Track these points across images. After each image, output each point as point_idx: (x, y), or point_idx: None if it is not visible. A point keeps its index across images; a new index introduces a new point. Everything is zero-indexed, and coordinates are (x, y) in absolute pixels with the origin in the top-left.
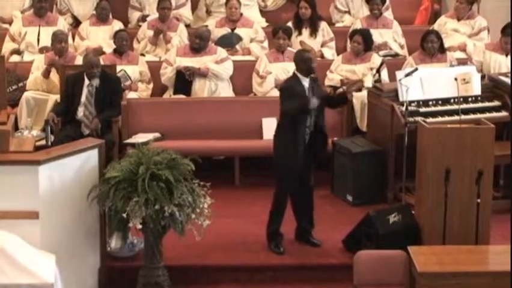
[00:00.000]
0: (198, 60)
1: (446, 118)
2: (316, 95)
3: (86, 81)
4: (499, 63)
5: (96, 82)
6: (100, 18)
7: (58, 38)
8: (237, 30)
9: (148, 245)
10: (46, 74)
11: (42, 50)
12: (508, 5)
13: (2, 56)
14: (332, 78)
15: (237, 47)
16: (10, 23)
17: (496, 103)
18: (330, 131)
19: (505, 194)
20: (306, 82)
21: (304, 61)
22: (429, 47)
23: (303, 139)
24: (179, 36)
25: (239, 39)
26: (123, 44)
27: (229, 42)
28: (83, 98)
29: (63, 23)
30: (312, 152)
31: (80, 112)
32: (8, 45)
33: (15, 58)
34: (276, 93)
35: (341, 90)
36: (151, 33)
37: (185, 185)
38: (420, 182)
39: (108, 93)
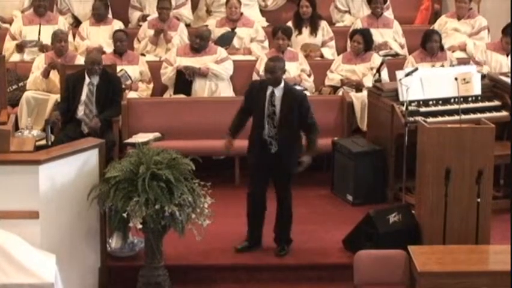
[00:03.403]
0: (198, 60)
1: (446, 118)
2: (282, 106)
3: (87, 80)
4: (499, 63)
5: (96, 80)
6: (96, 18)
7: (58, 37)
8: (237, 30)
9: (148, 245)
10: (46, 74)
11: (42, 49)
12: (508, 5)
13: (2, 55)
14: (332, 78)
15: (235, 44)
16: (10, 22)
17: (496, 103)
18: (330, 130)
19: (505, 194)
20: (269, 90)
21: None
22: (433, 46)
23: (259, 145)
24: (180, 36)
25: (234, 34)
26: (118, 45)
27: (226, 40)
28: (83, 97)
29: (63, 22)
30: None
31: (81, 111)
32: (9, 44)
33: (15, 57)
34: None
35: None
36: (151, 32)
37: (186, 184)
38: (421, 182)
39: (109, 92)
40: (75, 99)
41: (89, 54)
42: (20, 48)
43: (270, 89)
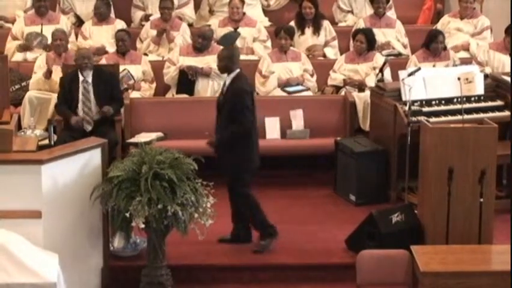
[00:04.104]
0: (200, 59)
1: (449, 118)
2: (225, 95)
3: (81, 78)
4: (502, 63)
5: (89, 77)
6: (98, 18)
7: (55, 36)
8: (239, 30)
9: (151, 245)
10: (48, 75)
11: (45, 48)
12: None
13: (5, 55)
14: (335, 77)
15: (238, 44)
16: (13, 22)
17: (499, 103)
18: (333, 130)
19: (508, 194)
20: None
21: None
22: (438, 47)
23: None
24: (182, 36)
25: (238, 35)
26: (121, 45)
27: (229, 40)
28: (80, 95)
29: (65, 21)
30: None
31: (80, 110)
32: (11, 45)
33: (18, 57)
34: (279, 92)
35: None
36: (154, 32)
37: (188, 184)
38: (423, 182)
39: (107, 88)
40: (73, 98)
41: (77, 51)
42: (25, 48)
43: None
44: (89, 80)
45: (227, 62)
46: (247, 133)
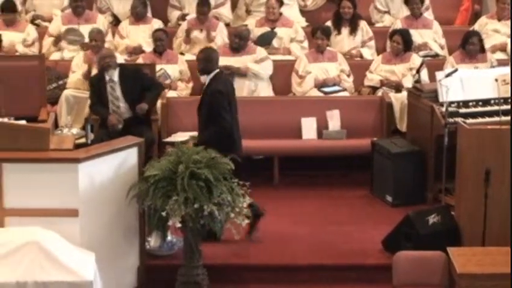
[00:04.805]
0: (237, 59)
1: (486, 119)
2: (203, 96)
3: (107, 77)
4: None
5: (113, 75)
6: (135, 17)
7: (91, 37)
8: (276, 30)
9: (187, 244)
10: (87, 76)
11: (83, 46)
12: None
13: (41, 54)
14: (372, 78)
15: (275, 44)
16: (50, 21)
17: None
18: (369, 131)
19: None
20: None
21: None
22: (471, 48)
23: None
24: (221, 36)
25: (274, 34)
26: (158, 44)
27: (266, 40)
28: (108, 95)
29: (102, 21)
30: None
31: (110, 109)
32: (47, 42)
33: (55, 56)
34: (315, 93)
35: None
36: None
37: (225, 184)
38: (460, 183)
39: (135, 84)
40: (103, 99)
41: (100, 52)
42: (57, 41)
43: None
44: (115, 79)
45: (204, 64)
46: (228, 133)
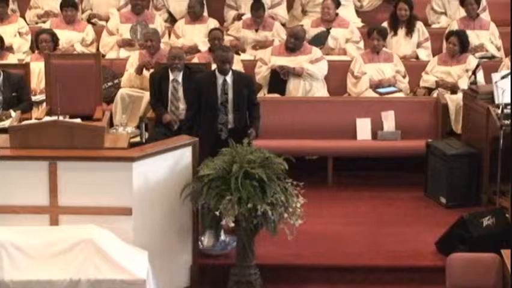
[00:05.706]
0: (292, 59)
1: None
2: (235, 92)
3: (171, 77)
4: None
5: (178, 76)
6: (192, 17)
7: (146, 37)
8: (332, 31)
9: (241, 244)
10: (139, 71)
11: (141, 45)
12: None
13: (98, 52)
14: (427, 79)
15: (330, 44)
16: (106, 20)
17: None
18: (424, 132)
19: None
20: (220, 79)
21: (217, 60)
22: None
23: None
24: (278, 35)
25: (327, 34)
26: (216, 43)
27: (320, 40)
28: (169, 94)
29: (160, 21)
30: None
31: (168, 109)
32: (107, 40)
33: (112, 54)
34: (371, 93)
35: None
36: (246, 32)
37: (278, 184)
38: None
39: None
40: (163, 96)
41: (170, 50)
42: (126, 43)
43: (221, 78)
44: (179, 79)
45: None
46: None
